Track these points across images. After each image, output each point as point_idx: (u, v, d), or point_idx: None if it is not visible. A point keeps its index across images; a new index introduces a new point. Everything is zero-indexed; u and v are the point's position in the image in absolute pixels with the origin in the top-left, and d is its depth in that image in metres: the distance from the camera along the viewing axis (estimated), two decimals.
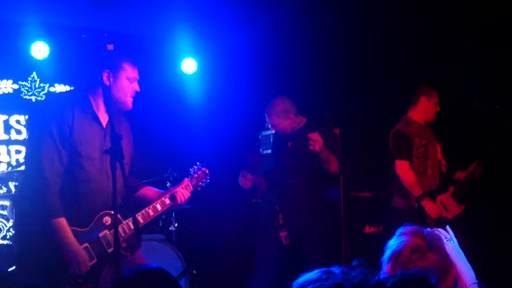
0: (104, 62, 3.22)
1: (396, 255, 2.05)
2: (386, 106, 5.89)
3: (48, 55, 5.71)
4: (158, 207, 3.39)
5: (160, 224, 5.46)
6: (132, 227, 3.16)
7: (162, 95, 6.32)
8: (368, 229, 5.77)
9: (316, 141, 4.48)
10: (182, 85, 6.46)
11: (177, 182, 5.32)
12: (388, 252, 2.10)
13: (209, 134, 6.36)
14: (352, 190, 5.77)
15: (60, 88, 6.11)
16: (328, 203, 5.23)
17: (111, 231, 3.12)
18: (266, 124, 5.55)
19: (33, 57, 5.69)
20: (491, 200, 5.19)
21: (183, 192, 3.54)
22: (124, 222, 3.22)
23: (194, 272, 5.08)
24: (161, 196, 3.46)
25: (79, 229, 3.10)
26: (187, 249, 5.31)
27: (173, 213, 5.36)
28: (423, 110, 4.83)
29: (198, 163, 3.78)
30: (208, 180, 3.78)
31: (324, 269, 1.67)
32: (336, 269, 1.65)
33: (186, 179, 3.69)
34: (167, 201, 3.45)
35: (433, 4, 5.06)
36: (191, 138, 6.36)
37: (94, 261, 3.10)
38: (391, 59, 5.79)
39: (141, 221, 3.30)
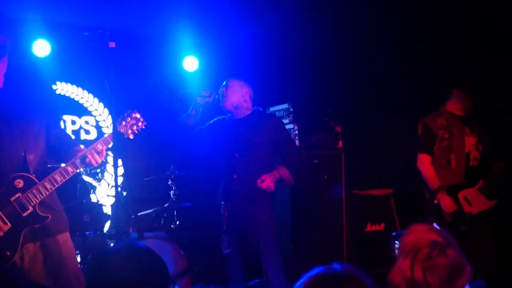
0: None
1: (415, 251, 2.01)
2: (387, 104, 5.90)
3: (50, 53, 5.71)
4: (69, 169, 3.17)
5: (162, 222, 5.46)
6: (48, 187, 3.07)
7: (164, 93, 6.32)
8: (370, 227, 5.78)
9: (269, 187, 4.41)
10: (183, 83, 6.46)
11: (179, 179, 5.36)
12: (402, 246, 2.06)
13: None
14: (353, 188, 5.78)
15: (61, 86, 6.11)
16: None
17: (24, 194, 3.03)
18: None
19: (34, 55, 5.69)
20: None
21: (94, 153, 3.21)
22: (39, 182, 3.08)
23: (196, 270, 5.08)
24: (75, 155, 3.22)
25: None
26: (188, 247, 5.31)
27: (175, 211, 5.36)
28: (457, 100, 4.77)
29: (128, 110, 3.42)
30: (143, 126, 3.43)
31: (324, 266, 1.69)
32: (336, 265, 1.68)
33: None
34: (78, 161, 3.18)
35: (435, 2, 5.06)
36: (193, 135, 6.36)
37: (8, 227, 2.98)
38: (393, 57, 5.79)
39: (49, 187, 3.11)
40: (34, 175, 3.08)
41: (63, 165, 3.20)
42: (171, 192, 5.30)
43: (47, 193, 3.09)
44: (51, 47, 5.70)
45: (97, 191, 6.07)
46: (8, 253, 2.95)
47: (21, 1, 5.16)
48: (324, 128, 5.83)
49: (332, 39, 5.87)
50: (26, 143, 3.10)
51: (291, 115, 5.77)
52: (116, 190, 3.14)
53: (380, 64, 5.87)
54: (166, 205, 5.29)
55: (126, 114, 3.41)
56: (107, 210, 6.04)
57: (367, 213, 5.79)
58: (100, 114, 6.33)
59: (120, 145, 3.26)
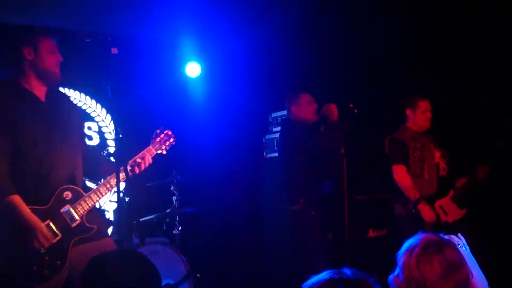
0: (21, 38, 3.28)
1: (412, 248, 2.09)
2: (391, 108, 5.89)
3: None
4: (120, 175, 3.33)
5: (164, 228, 5.47)
6: (94, 200, 3.22)
7: (167, 99, 6.34)
8: (372, 233, 5.77)
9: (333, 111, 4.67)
10: (186, 88, 6.48)
11: (181, 185, 5.36)
12: (404, 246, 2.15)
13: (213, 137, 6.38)
14: (356, 193, 5.77)
15: (62, 91, 6.12)
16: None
17: (73, 205, 3.18)
18: (270, 127, 5.56)
19: None
20: (495, 202, 5.16)
21: (144, 157, 3.57)
22: (86, 194, 3.24)
23: (198, 275, 5.08)
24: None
25: (39, 207, 3.10)
26: (190, 252, 5.32)
27: (177, 217, 5.37)
28: (412, 120, 4.93)
29: (161, 127, 3.79)
30: (173, 142, 3.80)
31: (335, 270, 1.73)
32: (346, 271, 1.71)
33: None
34: (128, 170, 3.47)
35: (437, 5, 5.06)
36: (195, 141, 6.38)
37: (59, 237, 3.10)
38: (396, 62, 5.79)
39: (103, 193, 3.31)
40: (80, 188, 3.25)
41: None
42: (174, 198, 5.31)
43: (92, 204, 3.23)
44: None
45: None
46: (59, 262, 3.05)
47: (22, 7, 5.18)
48: None
49: (333, 44, 5.88)
50: (74, 161, 3.30)
51: None
52: (118, 195, 3.17)
53: (382, 68, 5.88)
54: (168, 210, 5.30)
55: (159, 131, 3.73)
56: (110, 215, 6.04)
57: (369, 219, 5.79)
58: (102, 120, 6.34)
59: (123, 150, 3.29)
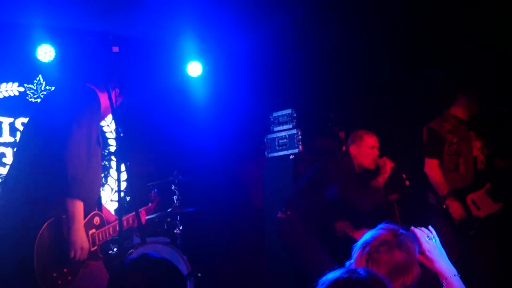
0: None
1: (366, 244, 2.18)
2: (391, 109, 5.88)
3: (54, 58, 5.72)
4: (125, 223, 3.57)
5: (165, 227, 5.46)
6: (111, 233, 3.33)
7: (168, 98, 6.34)
8: None
9: (387, 170, 4.58)
10: (187, 88, 6.48)
11: (182, 185, 5.36)
12: (362, 239, 2.24)
13: (214, 136, 6.37)
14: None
15: None
16: None
17: (98, 231, 3.24)
18: (271, 127, 5.54)
19: (39, 60, 5.70)
20: None
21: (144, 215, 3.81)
22: (107, 226, 3.33)
23: (199, 275, 5.07)
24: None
25: None
26: (192, 252, 5.31)
27: (178, 216, 5.36)
28: (464, 105, 4.77)
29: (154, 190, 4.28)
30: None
31: (350, 268, 1.78)
32: (361, 270, 1.76)
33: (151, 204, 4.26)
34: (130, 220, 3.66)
35: (438, 7, 5.05)
36: (196, 141, 6.38)
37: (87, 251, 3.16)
38: (398, 62, 5.77)
39: (112, 232, 3.38)
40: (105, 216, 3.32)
41: None
42: (175, 197, 5.30)
43: (109, 236, 3.31)
44: (55, 52, 5.72)
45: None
46: (70, 278, 3.04)
47: (25, 6, 5.18)
48: (328, 133, 5.83)
49: (336, 43, 5.86)
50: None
51: (295, 120, 5.77)
52: (119, 195, 3.16)
53: (384, 69, 5.85)
54: (169, 210, 5.29)
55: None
56: None
57: (370, 219, 5.76)
58: (104, 119, 6.33)
59: (124, 150, 3.28)
